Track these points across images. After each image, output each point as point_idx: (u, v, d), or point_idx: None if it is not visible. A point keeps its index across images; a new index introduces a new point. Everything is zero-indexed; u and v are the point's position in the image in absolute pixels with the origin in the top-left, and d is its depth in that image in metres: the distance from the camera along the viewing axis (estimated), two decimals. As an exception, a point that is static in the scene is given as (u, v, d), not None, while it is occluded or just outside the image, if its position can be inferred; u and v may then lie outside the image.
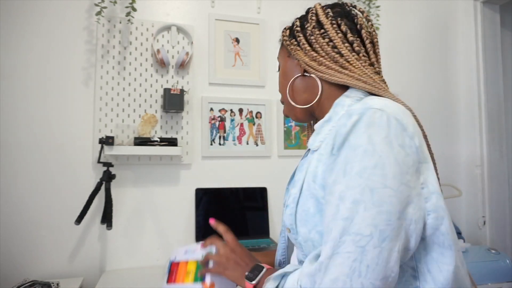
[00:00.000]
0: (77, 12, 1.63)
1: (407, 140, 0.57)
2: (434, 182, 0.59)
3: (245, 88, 1.85)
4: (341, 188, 0.55)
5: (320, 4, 0.77)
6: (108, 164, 1.52)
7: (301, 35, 0.75)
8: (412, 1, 2.18)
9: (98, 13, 1.57)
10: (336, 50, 0.70)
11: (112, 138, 1.51)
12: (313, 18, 0.74)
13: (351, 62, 0.69)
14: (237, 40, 1.86)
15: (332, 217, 0.55)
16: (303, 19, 0.77)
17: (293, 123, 1.92)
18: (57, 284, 1.36)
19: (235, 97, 1.83)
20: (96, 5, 1.59)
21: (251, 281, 0.67)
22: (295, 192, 0.68)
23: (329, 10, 0.74)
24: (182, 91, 1.66)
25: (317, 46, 0.72)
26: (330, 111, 0.69)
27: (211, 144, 1.78)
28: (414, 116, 0.65)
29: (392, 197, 0.52)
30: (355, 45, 0.71)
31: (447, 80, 2.21)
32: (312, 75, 0.73)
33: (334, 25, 0.72)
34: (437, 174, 0.65)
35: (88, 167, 1.60)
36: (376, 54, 0.74)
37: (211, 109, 1.79)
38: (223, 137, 1.80)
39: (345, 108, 0.67)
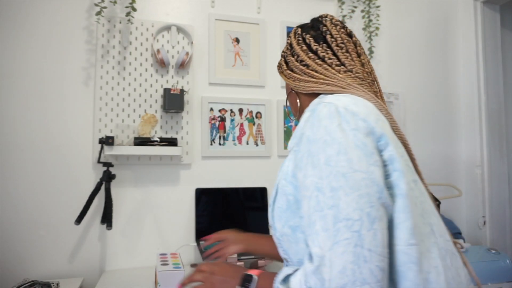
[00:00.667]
0: (77, 12, 1.63)
1: (360, 123, 0.59)
2: (399, 160, 0.60)
3: (245, 88, 1.85)
4: (314, 180, 0.56)
5: (297, 27, 0.86)
6: (108, 164, 1.52)
7: (282, 59, 0.86)
8: (412, 1, 2.18)
9: (98, 13, 1.57)
10: (303, 63, 0.79)
11: (112, 138, 1.51)
12: (288, 41, 0.86)
13: (317, 69, 0.76)
14: (237, 40, 1.86)
15: (314, 209, 0.55)
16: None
17: (293, 123, 1.92)
18: (57, 284, 1.36)
19: (235, 97, 1.83)
20: (96, 5, 1.59)
21: None
22: (273, 192, 0.74)
23: (299, 29, 0.84)
24: (182, 91, 1.66)
25: (291, 65, 0.82)
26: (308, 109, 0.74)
27: (211, 144, 1.78)
28: (385, 110, 0.69)
29: (365, 180, 0.54)
30: (319, 52, 0.78)
31: (447, 80, 2.21)
32: (292, 90, 0.84)
33: (300, 41, 0.82)
34: (414, 164, 0.68)
35: (88, 167, 1.60)
36: (349, 53, 0.78)
37: (211, 109, 1.79)
38: (223, 137, 1.80)
39: None
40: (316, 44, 0.79)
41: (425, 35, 2.19)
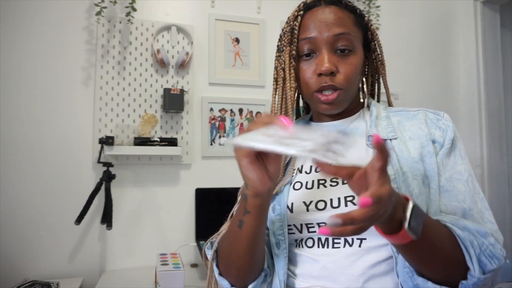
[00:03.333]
0: (77, 12, 1.63)
1: None
2: None
3: (245, 88, 1.85)
4: (464, 168, 0.67)
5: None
6: (108, 164, 1.52)
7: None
8: (412, 1, 2.18)
9: (98, 13, 1.57)
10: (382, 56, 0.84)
11: (112, 138, 1.51)
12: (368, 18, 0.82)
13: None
14: (237, 40, 1.86)
15: (474, 191, 0.66)
16: None
17: (293, 123, 1.92)
18: (57, 284, 1.36)
19: (235, 97, 1.83)
20: (96, 5, 1.59)
21: (417, 234, 0.47)
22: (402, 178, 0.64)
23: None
24: (182, 91, 1.66)
25: (379, 50, 0.81)
26: (374, 109, 0.73)
27: (211, 144, 1.78)
28: None
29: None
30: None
31: (447, 80, 2.21)
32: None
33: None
34: None
35: (88, 167, 1.60)
36: None
37: (211, 109, 1.79)
38: (223, 137, 1.80)
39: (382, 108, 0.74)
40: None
41: (425, 35, 2.19)
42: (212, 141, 1.79)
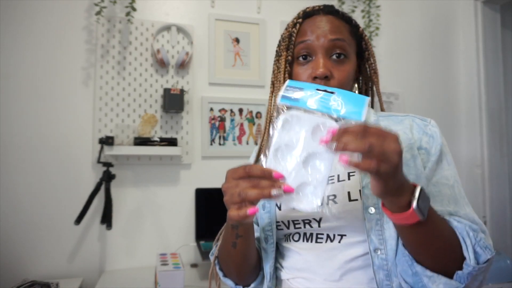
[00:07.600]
0: (77, 12, 1.63)
1: None
2: None
3: (245, 88, 1.85)
4: (450, 174, 0.68)
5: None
6: (108, 164, 1.52)
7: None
8: (412, 1, 2.18)
9: (98, 13, 1.57)
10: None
11: (112, 138, 1.51)
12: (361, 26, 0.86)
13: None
14: (237, 40, 1.86)
15: (460, 196, 0.68)
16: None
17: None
18: (57, 284, 1.36)
19: (235, 97, 1.83)
20: (96, 5, 1.58)
21: (423, 215, 0.50)
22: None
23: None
24: (182, 91, 1.66)
25: (372, 58, 0.83)
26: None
27: (211, 144, 1.78)
28: None
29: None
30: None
31: (447, 80, 2.21)
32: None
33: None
34: None
35: (88, 167, 1.60)
36: None
37: (211, 109, 1.79)
38: (223, 137, 1.80)
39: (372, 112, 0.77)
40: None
41: (425, 35, 2.19)
42: (212, 141, 1.78)
